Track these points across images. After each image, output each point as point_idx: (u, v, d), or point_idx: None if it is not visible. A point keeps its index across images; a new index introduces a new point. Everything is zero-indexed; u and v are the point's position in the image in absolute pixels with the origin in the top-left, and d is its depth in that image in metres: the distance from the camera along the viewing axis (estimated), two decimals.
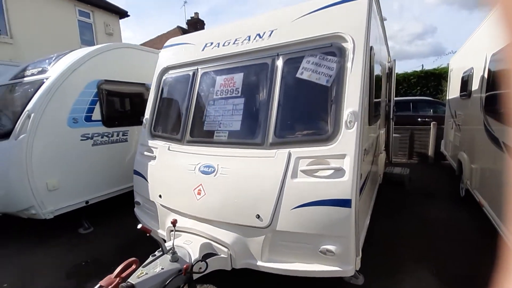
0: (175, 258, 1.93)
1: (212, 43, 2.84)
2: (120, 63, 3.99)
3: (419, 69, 13.30)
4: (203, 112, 2.69)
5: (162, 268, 1.83)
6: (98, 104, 3.72)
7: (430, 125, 7.29)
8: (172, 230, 2.40)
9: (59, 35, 8.99)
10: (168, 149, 2.74)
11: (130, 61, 4.12)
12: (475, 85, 3.81)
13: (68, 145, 3.41)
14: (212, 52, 2.77)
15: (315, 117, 2.16)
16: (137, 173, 2.99)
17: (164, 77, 3.17)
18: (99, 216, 3.98)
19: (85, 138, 3.59)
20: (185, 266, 1.80)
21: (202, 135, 2.63)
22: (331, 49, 2.11)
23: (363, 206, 2.33)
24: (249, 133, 2.34)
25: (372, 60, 2.31)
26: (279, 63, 2.32)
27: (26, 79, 3.70)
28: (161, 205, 2.61)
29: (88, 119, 3.63)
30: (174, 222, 2.07)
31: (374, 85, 2.76)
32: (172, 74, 3.11)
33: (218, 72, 2.71)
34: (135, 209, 3.06)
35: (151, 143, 2.96)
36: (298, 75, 2.21)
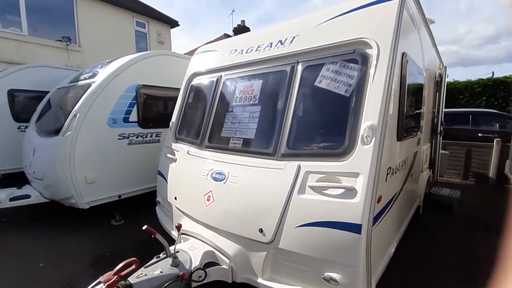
0: (175, 263, 1.93)
1: (236, 50, 2.85)
2: (157, 69, 4.27)
3: (488, 76, 11.64)
4: (222, 119, 2.69)
5: (161, 272, 1.85)
6: (135, 106, 4.02)
7: (493, 141, 6.28)
8: (183, 233, 2.45)
9: (118, 43, 10.07)
10: (187, 153, 2.81)
11: (167, 67, 4.37)
12: None
13: (106, 143, 3.74)
14: (235, 59, 2.77)
15: (330, 130, 1.99)
16: (160, 173, 3.13)
17: (191, 83, 3.28)
18: (130, 211, 4.27)
19: (121, 138, 3.90)
20: (181, 273, 1.79)
21: (219, 141, 2.63)
22: (353, 56, 1.93)
23: (384, 232, 2.06)
24: (262, 143, 2.26)
25: (404, 67, 2.05)
26: (298, 70, 2.20)
27: (79, 82, 4.18)
28: (176, 207, 2.68)
29: (126, 120, 3.93)
30: (178, 227, 2.08)
31: (412, 95, 2.47)
32: (198, 80, 3.20)
33: (239, 79, 2.70)
34: (157, 208, 3.20)
35: (174, 146, 3.07)
36: (316, 83, 2.07)
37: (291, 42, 2.33)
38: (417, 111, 2.76)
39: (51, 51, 8.88)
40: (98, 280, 1.66)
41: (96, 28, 9.68)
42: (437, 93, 4.15)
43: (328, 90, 1.99)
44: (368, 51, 1.86)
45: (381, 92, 1.70)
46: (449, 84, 12.53)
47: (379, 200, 1.77)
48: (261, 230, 1.89)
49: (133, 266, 1.80)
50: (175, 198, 2.69)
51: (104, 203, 3.84)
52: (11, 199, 3.71)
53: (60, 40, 9.06)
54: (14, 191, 3.81)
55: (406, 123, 2.33)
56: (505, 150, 6.03)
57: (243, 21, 19.52)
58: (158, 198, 3.13)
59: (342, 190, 1.68)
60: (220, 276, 2.03)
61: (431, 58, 3.94)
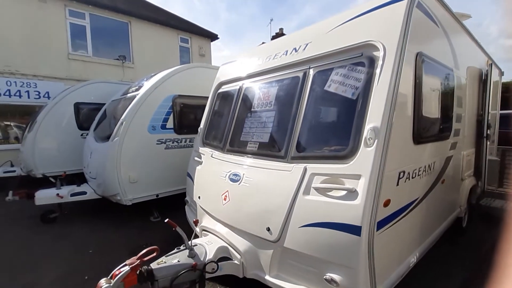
0: (192, 254, 2.13)
1: (257, 59, 3.02)
2: (192, 80, 4.68)
3: None
4: (242, 124, 2.87)
5: (178, 261, 2.06)
6: (171, 114, 4.45)
7: None
8: (204, 230, 2.66)
9: (165, 58, 11.14)
10: (211, 156, 3.04)
11: (199, 78, 4.75)
12: None
13: (146, 147, 4.21)
14: (255, 68, 2.94)
15: (338, 132, 2.00)
16: (188, 175, 3.42)
17: (217, 92, 3.55)
18: (167, 209, 4.69)
19: (159, 143, 4.35)
20: (193, 263, 1.97)
21: (239, 145, 2.80)
22: (361, 59, 1.93)
23: (399, 239, 1.97)
24: (275, 146, 2.36)
25: (419, 68, 1.98)
26: (310, 76, 2.27)
27: (128, 95, 4.79)
28: (199, 205, 2.91)
29: (163, 127, 4.38)
30: (195, 222, 2.28)
31: (435, 96, 2.35)
32: (224, 89, 3.45)
33: (258, 86, 2.85)
34: (186, 207, 3.49)
35: (201, 150, 3.33)
36: (326, 87, 2.11)
37: (304, 49, 2.41)
38: (445, 113, 2.57)
39: (110, 68, 10.23)
40: (124, 263, 1.93)
41: (146, 46, 10.87)
42: (483, 93, 3.75)
43: (337, 94, 2.02)
44: (375, 53, 1.86)
45: (385, 93, 1.68)
46: (507, 83, 10.95)
47: (386, 204, 1.73)
48: (268, 229, 1.98)
49: (155, 254, 2.05)
50: (199, 198, 2.93)
51: (144, 201, 4.30)
52: (72, 195, 4.39)
53: (117, 59, 10.41)
54: (74, 188, 4.50)
55: (426, 126, 2.20)
56: None
57: (281, 29, 19.79)
58: (187, 198, 3.42)
59: (344, 192, 1.69)
60: (231, 270, 2.16)
61: (473, 56, 3.61)
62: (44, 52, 8.61)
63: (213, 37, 12.87)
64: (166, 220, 2.17)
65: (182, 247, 2.26)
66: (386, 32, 1.82)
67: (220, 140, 3.07)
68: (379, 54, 1.81)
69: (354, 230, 1.57)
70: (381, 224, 1.69)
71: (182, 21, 11.81)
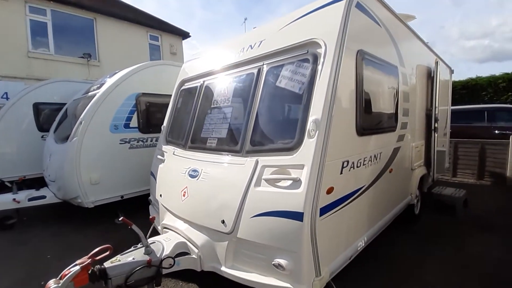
0: (148, 251, 2.12)
1: (218, 56, 3.06)
2: (157, 78, 4.60)
3: None
4: (202, 121, 2.89)
5: (133, 258, 2.05)
6: (135, 113, 4.35)
7: (509, 139, 5.92)
8: (165, 227, 2.65)
9: (134, 56, 10.75)
10: (173, 154, 3.03)
11: (166, 75, 4.67)
12: None
13: (109, 147, 4.09)
14: (216, 65, 2.98)
15: (287, 126, 2.10)
16: (152, 174, 3.38)
17: (180, 89, 3.54)
18: (133, 210, 4.57)
19: (123, 142, 4.24)
20: (148, 259, 1.97)
21: (199, 141, 2.83)
22: (307, 56, 2.04)
23: (344, 224, 2.11)
24: (232, 141, 2.42)
25: (360, 64, 2.13)
26: (263, 72, 2.35)
27: (89, 93, 4.61)
28: (161, 203, 2.89)
29: (127, 126, 4.28)
30: (152, 219, 2.28)
31: (379, 92, 2.52)
32: (186, 86, 3.45)
33: (217, 83, 2.90)
34: (149, 206, 3.44)
35: (164, 148, 3.31)
36: (277, 83, 2.20)
37: (259, 46, 2.49)
38: (390, 107, 2.77)
39: (74, 67, 9.72)
40: (75, 263, 1.89)
41: (113, 43, 10.45)
42: (431, 90, 4.06)
43: (287, 89, 2.12)
44: (318, 50, 1.97)
45: (325, 88, 1.80)
46: (470, 80, 11.92)
47: (329, 192, 1.85)
48: (223, 221, 2.04)
49: (108, 252, 2.02)
50: (160, 196, 2.91)
51: (108, 203, 4.17)
52: (30, 199, 4.15)
53: (82, 57, 9.91)
54: (33, 192, 4.26)
55: (370, 119, 2.37)
56: None
57: (254, 28, 19.91)
58: (150, 197, 3.38)
59: (290, 182, 1.78)
60: (189, 264, 2.19)
61: (421, 55, 3.90)
62: (1, 50, 8.01)
63: (185, 35, 12.67)
64: (120, 219, 2.15)
65: (139, 245, 2.25)
66: (327, 30, 1.94)
67: (182, 137, 3.07)
68: (321, 51, 1.93)
69: (297, 216, 1.67)
70: (324, 210, 1.80)
71: (152, 18, 11.50)
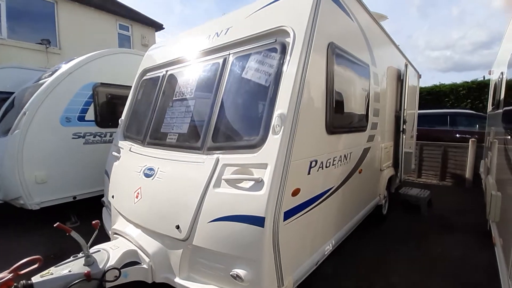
0: (89, 262, 1.83)
1: (183, 44, 2.80)
2: (118, 67, 4.20)
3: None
4: (163, 114, 2.62)
5: (70, 271, 1.75)
6: (92, 105, 3.93)
7: (469, 142, 6.26)
8: (115, 233, 2.35)
9: (100, 46, 9.85)
10: (130, 150, 2.72)
11: (128, 65, 4.29)
12: (503, 93, 3.12)
13: (59, 142, 3.64)
14: (179, 53, 2.72)
15: (252, 121, 1.91)
16: (106, 172, 3.03)
17: (142, 79, 3.22)
18: (88, 212, 4.14)
19: (77, 137, 3.80)
20: (86, 272, 1.68)
21: (159, 137, 2.55)
22: (274, 45, 1.87)
23: (311, 228, 1.97)
24: (193, 137, 2.19)
25: (331, 58, 2.00)
26: (229, 62, 2.14)
27: (40, 81, 4.09)
28: (113, 206, 2.58)
29: (81, 119, 3.84)
30: (95, 225, 1.98)
31: (351, 90, 2.43)
32: (148, 76, 3.14)
33: (180, 73, 2.64)
34: (103, 208, 3.09)
35: (121, 143, 2.98)
36: (243, 75, 2.01)
37: (226, 33, 2.28)
38: (361, 106, 2.70)
39: (31, 53, 8.79)
40: None
41: (77, 30, 9.62)
42: (400, 92, 4.12)
43: (253, 81, 1.94)
44: (287, 39, 1.81)
45: (293, 80, 1.64)
46: (434, 87, 12.65)
47: (295, 193, 1.69)
48: (177, 227, 1.80)
49: (37, 265, 1.70)
50: (113, 197, 2.60)
51: (59, 205, 3.72)
52: None
53: (40, 43, 9.00)
54: None
55: (341, 117, 2.27)
56: (481, 150, 6.03)
57: (223, 15, 19.60)
58: (104, 198, 3.03)
59: (252, 183, 1.60)
60: (139, 276, 1.93)
61: (392, 57, 3.93)
62: None
63: (158, 26, 12.05)
64: (55, 225, 1.84)
65: (80, 255, 1.94)
66: (296, 17, 1.79)
67: (141, 132, 2.77)
68: (290, 40, 1.77)
69: (258, 221, 1.49)
70: (289, 214, 1.65)
71: (121, 7, 10.76)
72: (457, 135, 7.33)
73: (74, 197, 3.82)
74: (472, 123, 7.50)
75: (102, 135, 4.06)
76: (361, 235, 3.27)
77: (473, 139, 6.25)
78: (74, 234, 1.89)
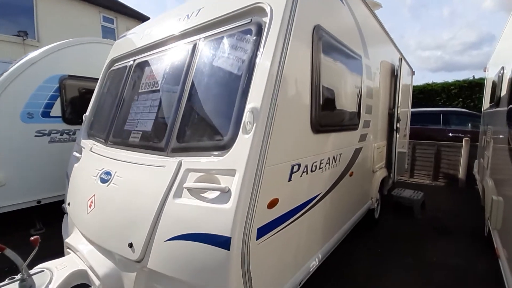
0: (24, 286, 1.51)
1: (150, 30, 2.46)
2: (88, 58, 3.81)
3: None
4: (128, 109, 2.29)
5: None
6: (59, 99, 3.55)
7: (462, 141, 6.09)
8: (68, 248, 2.02)
9: None
10: (90, 151, 2.38)
11: (99, 56, 3.88)
12: (504, 89, 2.89)
13: (19, 141, 3.25)
14: (147, 40, 2.38)
15: (221, 117, 1.60)
16: (66, 175, 2.68)
17: (108, 71, 2.87)
18: (56, 218, 3.77)
19: (40, 135, 3.42)
20: None
21: (122, 135, 2.23)
22: (250, 26, 1.57)
23: (293, 244, 1.69)
24: (156, 135, 1.87)
25: (316, 42, 1.71)
26: (199, 48, 1.83)
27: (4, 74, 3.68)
28: (69, 214, 2.24)
29: (46, 114, 3.46)
30: (34, 241, 1.65)
31: (340, 82, 2.14)
32: (115, 67, 2.79)
33: (146, 62, 2.31)
34: (64, 216, 2.74)
35: (83, 143, 2.63)
36: (214, 62, 1.70)
37: (197, 15, 1.96)
38: (352, 102, 2.43)
39: (6, 46, 8.27)
40: None
41: (58, 22, 9.10)
42: (394, 88, 3.87)
43: (225, 70, 1.63)
44: (264, 19, 1.51)
45: (268, 66, 1.34)
46: (426, 85, 12.58)
47: (272, 205, 1.40)
48: (131, 245, 1.49)
49: None
50: (69, 204, 2.26)
51: (20, 210, 3.34)
52: None
53: (17, 35, 8.47)
54: None
55: (329, 113, 1.98)
56: (475, 150, 5.87)
57: None
58: (64, 205, 2.68)
59: (218, 193, 1.30)
60: None
61: (386, 50, 3.67)
62: None
63: (144, 19, 11.56)
64: None
65: (17, 276, 1.61)
66: None
67: (104, 130, 2.44)
68: (267, 19, 1.47)
69: (223, 242, 1.19)
70: (263, 230, 1.35)
71: None
72: (450, 134, 7.18)
73: (39, 202, 3.45)
74: (465, 122, 7.35)
75: (71, 133, 3.69)
76: (351, 241, 3.01)
77: (466, 138, 6.09)
78: (9, 252, 1.57)
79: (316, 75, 1.72)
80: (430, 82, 12.64)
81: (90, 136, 2.68)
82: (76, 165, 2.50)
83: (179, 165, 1.49)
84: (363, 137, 2.74)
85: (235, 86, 1.51)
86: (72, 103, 3.70)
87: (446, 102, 11.84)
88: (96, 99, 2.85)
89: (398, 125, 3.78)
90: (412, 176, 6.90)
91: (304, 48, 1.60)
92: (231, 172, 1.28)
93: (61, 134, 3.60)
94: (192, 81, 1.75)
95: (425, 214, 4.26)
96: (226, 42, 1.68)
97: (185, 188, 1.40)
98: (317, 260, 1.95)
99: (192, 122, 1.67)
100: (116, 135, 2.28)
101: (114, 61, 2.85)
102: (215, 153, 1.40)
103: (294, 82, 1.52)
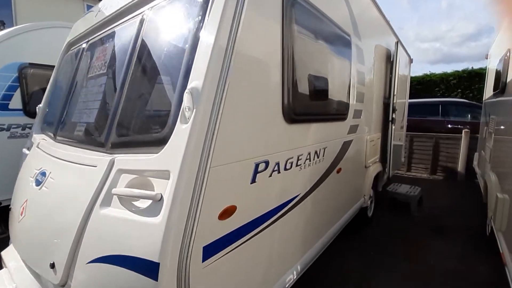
0: None
1: (104, 5, 2.11)
2: (50, 44, 3.44)
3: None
4: (78, 98, 1.97)
5: None
6: (19, 90, 3.21)
7: (462, 133, 5.80)
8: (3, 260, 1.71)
9: None
10: (37, 147, 2.06)
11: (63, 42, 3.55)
12: (510, 74, 2.58)
13: None
14: (100, 17, 2.04)
15: (163, 103, 1.28)
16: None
17: (64, 56, 2.53)
18: None
19: None
20: None
21: (69, 129, 1.91)
22: None
23: (262, 259, 1.39)
24: (98, 128, 1.55)
25: (289, 12, 1.38)
26: (147, 22, 1.49)
27: None
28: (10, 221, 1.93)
29: (4, 107, 3.12)
30: None
31: (323, 61, 1.82)
32: (71, 51, 2.45)
33: (97, 42, 1.98)
34: None
35: (34, 138, 2.31)
36: (159, 38, 1.38)
37: None
38: (340, 87, 2.10)
39: None
40: None
41: (38, 11, 8.62)
42: (391, 75, 3.54)
43: (169, 45, 1.31)
44: None
45: (213, 38, 1.01)
46: (425, 76, 12.25)
47: (227, 214, 1.09)
48: (52, 265, 1.18)
49: None
50: (10, 209, 1.95)
51: None
52: None
53: None
54: None
55: (308, 101, 1.66)
56: (474, 142, 5.58)
57: None
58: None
59: (149, 202, 0.99)
60: None
61: (381, 33, 3.34)
62: None
63: None
64: None
65: None
66: None
67: (54, 123, 2.11)
68: None
69: (149, 269, 0.89)
70: (213, 248, 1.05)
71: None
72: (449, 126, 6.88)
73: None
74: (465, 112, 7.05)
75: None
76: (341, 243, 2.73)
77: (466, 129, 5.79)
78: None
79: (289, 52, 1.39)
80: (428, 72, 12.32)
81: (42, 130, 2.36)
82: (23, 163, 2.18)
83: (111, 164, 1.18)
84: (353, 129, 2.43)
85: (179, 64, 1.17)
86: (35, 94, 3.35)
87: (445, 93, 11.54)
88: (51, 88, 2.51)
89: (394, 116, 3.47)
90: (409, 170, 6.62)
91: (269, 16, 1.27)
92: (164, 174, 0.97)
93: (23, 129, 3.27)
94: (137, 61, 1.42)
95: (422, 211, 3.98)
96: (172, 10, 1.34)
97: (114, 194, 1.09)
98: (295, 273, 1.65)
99: (134, 111, 1.35)
100: (65, 128, 1.96)
101: (70, 44, 2.50)
102: (151, 148, 1.08)
103: (254, 59, 1.19)
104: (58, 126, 2.03)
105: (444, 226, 3.45)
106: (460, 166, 5.84)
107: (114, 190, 1.09)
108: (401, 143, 4.03)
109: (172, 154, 0.96)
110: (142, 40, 1.44)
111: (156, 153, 1.03)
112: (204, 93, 0.96)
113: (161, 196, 0.94)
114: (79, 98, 1.94)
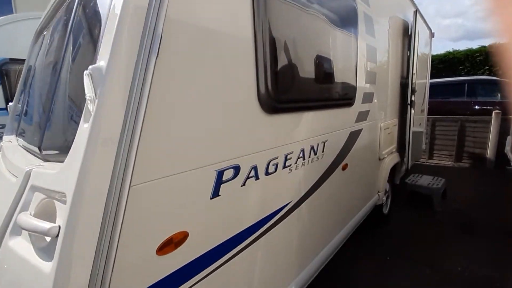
0: None
1: None
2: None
3: None
4: (32, 94, 1.71)
5: None
6: (0, 88, 3.03)
7: (491, 115, 5.17)
8: None
9: None
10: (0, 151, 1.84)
11: None
12: None
13: None
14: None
15: (79, 95, 0.96)
16: None
17: (34, 45, 2.28)
18: None
19: None
20: None
21: (24, 128, 1.67)
22: None
23: (242, 283, 1.08)
24: (35, 130, 1.27)
25: None
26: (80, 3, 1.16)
27: None
28: None
29: None
30: None
31: (316, 37, 1.44)
32: (35, 41, 2.19)
33: (52, 28, 1.68)
34: None
35: (4, 139, 2.10)
36: (89, 19, 1.05)
37: None
38: (342, 66, 1.70)
39: None
40: None
41: (39, 8, 8.54)
42: (408, 50, 3.05)
43: (94, 26, 0.97)
44: None
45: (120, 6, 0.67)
46: (448, 53, 11.30)
47: (169, 247, 0.78)
48: None
49: None
50: None
51: None
52: None
53: None
54: None
55: (296, 83, 1.28)
56: (507, 125, 4.95)
57: None
58: None
59: (48, 239, 0.69)
60: None
61: (396, 4, 2.84)
62: None
63: None
64: None
65: None
66: None
67: (17, 122, 1.89)
68: None
69: None
70: (181, 280, 0.74)
71: None
72: (477, 107, 6.19)
73: None
74: (494, 92, 6.30)
75: None
76: (353, 246, 2.38)
77: (496, 111, 5.15)
78: None
79: (265, 17, 1.02)
80: (451, 49, 11.32)
81: (11, 131, 2.14)
82: None
83: (27, 177, 0.89)
84: (362, 116, 2.03)
85: (93, 47, 0.85)
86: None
87: (470, 71, 10.62)
88: (21, 84, 2.28)
89: (413, 98, 3.00)
90: (432, 157, 6.06)
91: None
92: (62, 197, 0.66)
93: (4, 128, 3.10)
94: (70, 50, 1.12)
95: (447, 205, 3.53)
96: None
97: (18, 222, 0.80)
98: None
99: (59, 106, 1.05)
100: (20, 128, 1.72)
101: (37, 34, 2.24)
102: (61, 156, 0.78)
103: (204, 27, 0.84)
104: (18, 127, 1.80)
105: (473, 223, 3.01)
106: (490, 152, 5.23)
107: (18, 217, 0.80)
108: (422, 129, 3.55)
109: (70, 167, 0.65)
110: (75, 24, 1.12)
111: (61, 163, 0.72)
112: (113, 76, 0.64)
113: (59, 230, 0.64)
114: (32, 93, 1.69)
